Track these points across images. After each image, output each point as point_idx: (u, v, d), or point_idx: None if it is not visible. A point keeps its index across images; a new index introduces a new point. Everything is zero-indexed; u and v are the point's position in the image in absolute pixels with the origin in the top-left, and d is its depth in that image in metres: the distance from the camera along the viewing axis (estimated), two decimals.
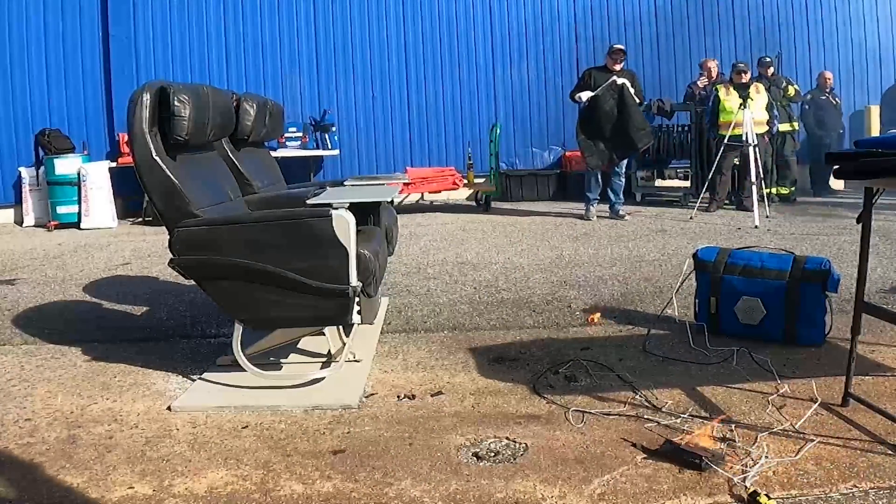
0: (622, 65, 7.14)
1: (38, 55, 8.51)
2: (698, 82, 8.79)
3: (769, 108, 7.82)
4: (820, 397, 2.48)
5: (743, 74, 7.50)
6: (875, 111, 9.59)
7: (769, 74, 8.26)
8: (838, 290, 3.16)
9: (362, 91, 9.26)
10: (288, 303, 2.57)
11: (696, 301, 3.36)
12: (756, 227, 6.45)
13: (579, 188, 8.99)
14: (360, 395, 2.63)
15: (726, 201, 7.95)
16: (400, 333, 3.48)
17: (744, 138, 7.13)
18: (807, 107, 8.72)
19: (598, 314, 3.65)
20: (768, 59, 8.31)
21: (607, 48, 7.37)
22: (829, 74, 8.92)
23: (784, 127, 8.28)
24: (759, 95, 7.58)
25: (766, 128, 7.77)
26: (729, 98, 7.52)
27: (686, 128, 8.70)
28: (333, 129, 8.93)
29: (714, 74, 8.60)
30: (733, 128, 7.27)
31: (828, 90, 8.84)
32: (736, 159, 7.62)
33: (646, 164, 8.91)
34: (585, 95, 6.93)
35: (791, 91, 8.27)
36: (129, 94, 2.69)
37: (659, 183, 8.88)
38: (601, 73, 7.08)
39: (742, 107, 7.16)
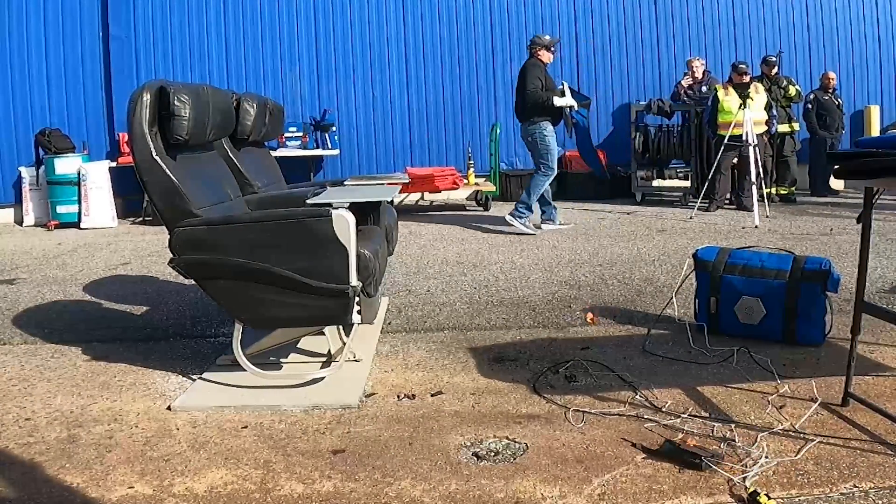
0: None
1: (38, 55, 8.51)
2: (682, 82, 8.78)
3: (768, 107, 7.82)
4: (820, 397, 2.49)
5: (744, 75, 7.50)
6: (875, 111, 9.59)
7: (771, 74, 8.25)
8: (838, 290, 3.16)
9: (362, 91, 9.26)
10: (288, 302, 2.57)
11: (696, 301, 3.36)
12: (756, 227, 6.45)
13: (579, 188, 9.03)
14: (360, 394, 2.63)
15: (726, 201, 7.96)
16: (400, 333, 3.48)
17: (744, 138, 7.14)
18: (809, 106, 8.71)
19: (591, 314, 3.65)
20: (773, 59, 8.27)
21: (531, 39, 6.60)
22: (832, 75, 8.91)
23: (783, 128, 8.28)
24: (758, 95, 7.58)
25: (765, 128, 7.76)
26: (728, 98, 7.52)
27: (681, 127, 8.67)
28: (333, 128, 8.93)
29: (700, 74, 8.58)
30: (733, 128, 7.26)
31: (831, 90, 8.84)
32: (735, 159, 7.62)
33: (646, 164, 8.92)
34: (571, 101, 6.39)
35: (792, 91, 8.25)
36: (129, 93, 2.69)
37: (659, 183, 8.87)
38: (545, 70, 6.49)
39: (742, 107, 7.16)
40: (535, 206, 6.59)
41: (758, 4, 9.58)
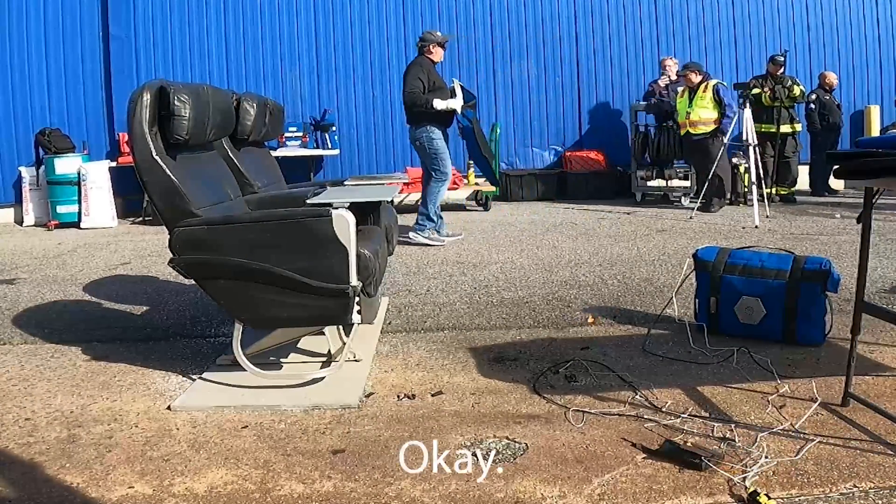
0: None
1: (38, 55, 8.51)
2: (659, 81, 8.76)
3: (718, 107, 7.61)
4: (820, 397, 2.48)
5: (690, 75, 7.64)
6: (875, 111, 9.59)
7: (777, 73, 8.22)
8: (838, 290, 3.16)
9: (362, 91, 9.26)
10: (288, 302, 2.57)
11: (696, 301, 3.36)
12: (756, 227, 6.45)
13: (579, 188, 9.03)
14: (359, 394, 2.63)
15: (726, 200, 7.96)
16: (400, 333, 3.48)
17: (744, 138, 7.19)
18: (813, 106, 8.69)
19: (591, 315, 3.65)
20: (780, 59, 8.22)
21: (445, 39, 6.13)
22: (834, 75, 8.91)
23: (786, 128, 8.26)
24: (705, 94, 7.58)
25: (713, 127, 7.56)
26: (681, 100, 7.81)
27: (659, 128, 8.66)
28: (333, 128, 8.93)
29: (674, 73, 8.59)
30: (683, 127, 7.76)
31: (832, 90, 8.83)
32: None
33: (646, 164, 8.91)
34: (455, 104, 5.87)
35: (796, 91, 8.21)
36: (129, 93, 2.69)
37: (659, 182, 8.87)
38: (434, 68, 5.99)
39: (742, 106, 7.20)
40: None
41: (758, 4, 9.58)
